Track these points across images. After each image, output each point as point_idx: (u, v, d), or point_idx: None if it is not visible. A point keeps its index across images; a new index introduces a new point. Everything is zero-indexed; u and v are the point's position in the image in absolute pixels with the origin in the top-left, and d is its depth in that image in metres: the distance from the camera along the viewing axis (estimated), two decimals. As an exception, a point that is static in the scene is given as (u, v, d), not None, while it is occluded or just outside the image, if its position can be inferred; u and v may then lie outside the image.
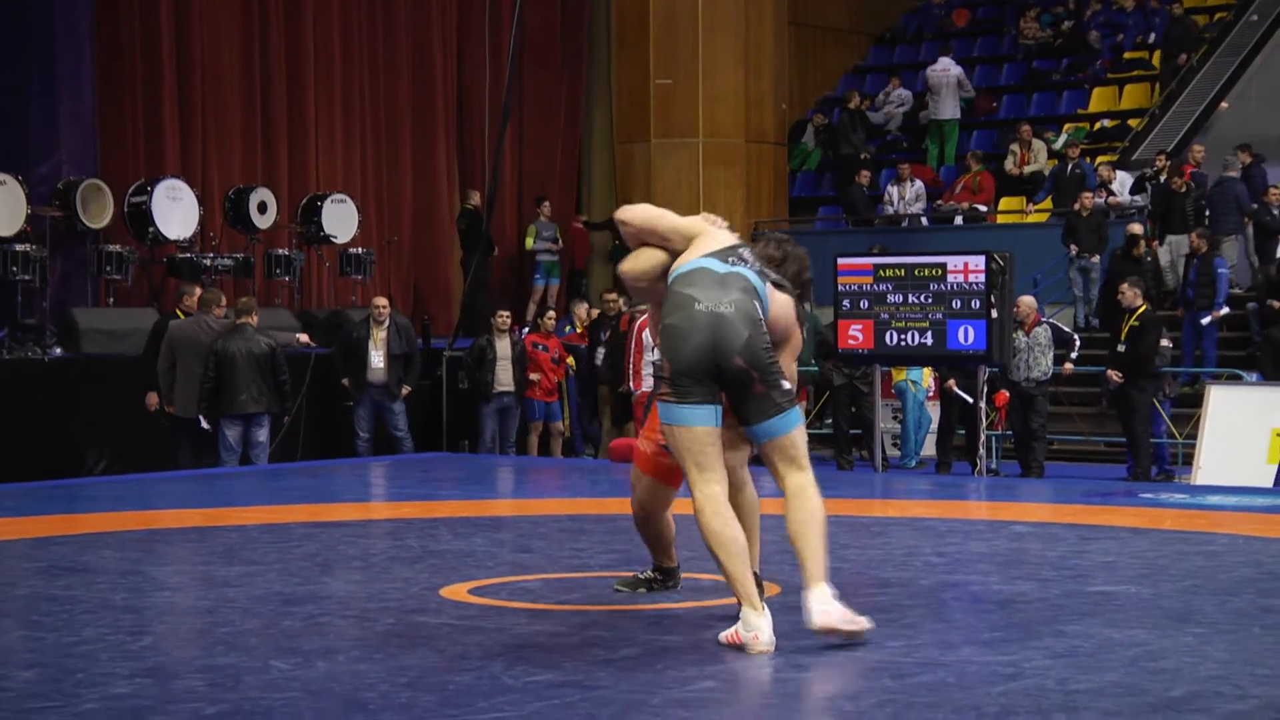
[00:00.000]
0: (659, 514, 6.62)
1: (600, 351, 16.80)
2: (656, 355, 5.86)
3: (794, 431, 5.74)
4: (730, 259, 5.83)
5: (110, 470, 13.89)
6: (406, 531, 9.26)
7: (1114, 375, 14.95)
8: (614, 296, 16.91)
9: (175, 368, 13.48)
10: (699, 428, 5.65)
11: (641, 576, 6.82)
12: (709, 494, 5.64)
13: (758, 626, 5.50)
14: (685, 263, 5.85)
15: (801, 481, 5.73)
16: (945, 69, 22.45)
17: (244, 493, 11.46)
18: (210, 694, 5.07)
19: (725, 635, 5.62)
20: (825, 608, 5.57)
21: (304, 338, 15.77)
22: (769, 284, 5.89)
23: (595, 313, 18.00)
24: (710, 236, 5.92)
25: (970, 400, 14.53)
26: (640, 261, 6.06)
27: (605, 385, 16.77)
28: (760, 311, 5.75)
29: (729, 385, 5.69)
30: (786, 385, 5.74)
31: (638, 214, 6.06)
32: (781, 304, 5.94)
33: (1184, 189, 18.59)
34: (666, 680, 5.23)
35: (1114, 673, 5.33)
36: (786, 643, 5.78)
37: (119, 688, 5.16)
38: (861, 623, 5.63)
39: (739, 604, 5.57)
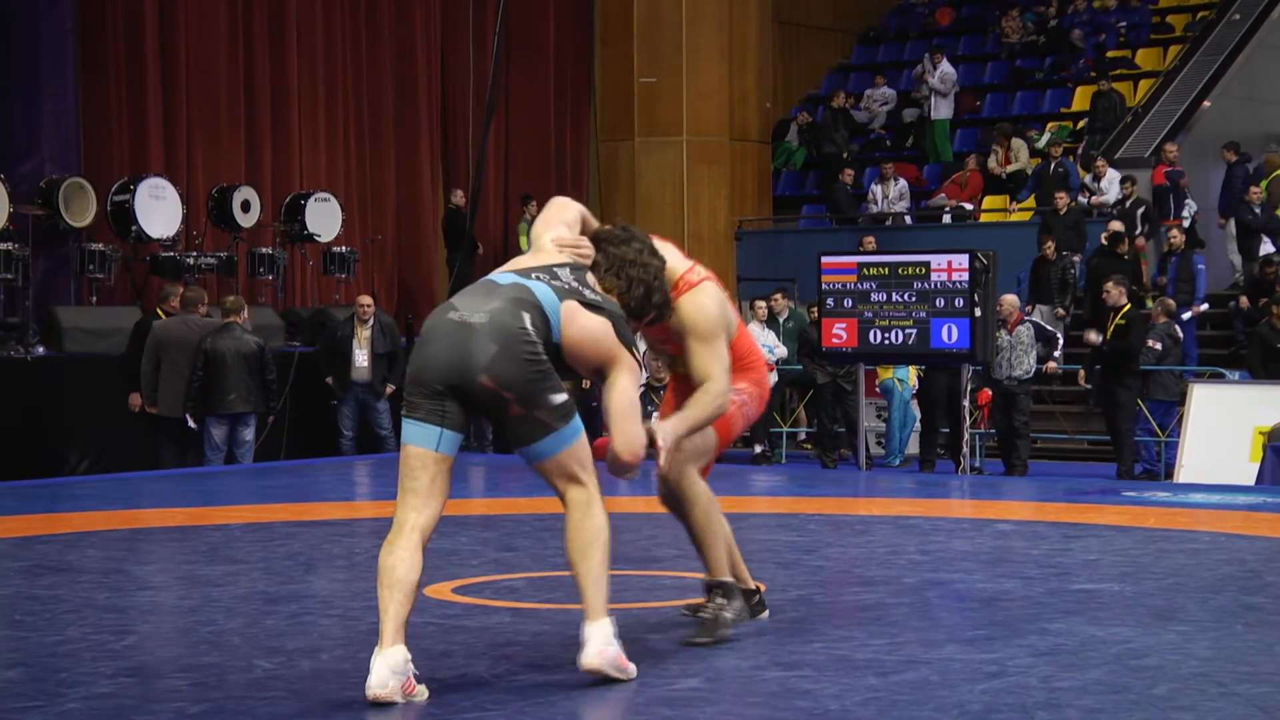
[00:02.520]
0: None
1: None
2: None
3: (569, 448, 5.04)
4: (535, 275, 5.14)
5: (93, 469, 13.87)
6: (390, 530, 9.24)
7: (1082, 380, 15.04)
8: None
9: (159, 368, 13.45)
10: (412, 447, 5.03)
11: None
12: (398, 520, 5.01)
13: (371, 665, 4.87)
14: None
15: (583, 497, 5.06)
16: (950, 72, 22.53)
17: (228, 492, 11.44)
18: (194, 693, 5.06)
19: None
20: (604, 649, 5.03)
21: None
22: (574, 302, 5.10)
23: None
24: (533, 254, 5.28)
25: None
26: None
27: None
28: (528, 323, 4.98)
29: (481, 407, 5.05)
30: (556, 400, 5.00)
31: (550, 210, 5.47)
32: (584, 328, 5.10)
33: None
34: (651, 679, 5.23)
35: (1097, 670, 5.34)
36: (770, 642, 5.80)
37: (102, 687, 5.16)
38: (631, 671, 5.11)
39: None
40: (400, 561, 4.93)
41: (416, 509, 5.00)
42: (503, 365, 4.94)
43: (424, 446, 5.02)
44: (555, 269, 5.17)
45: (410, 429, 5.05)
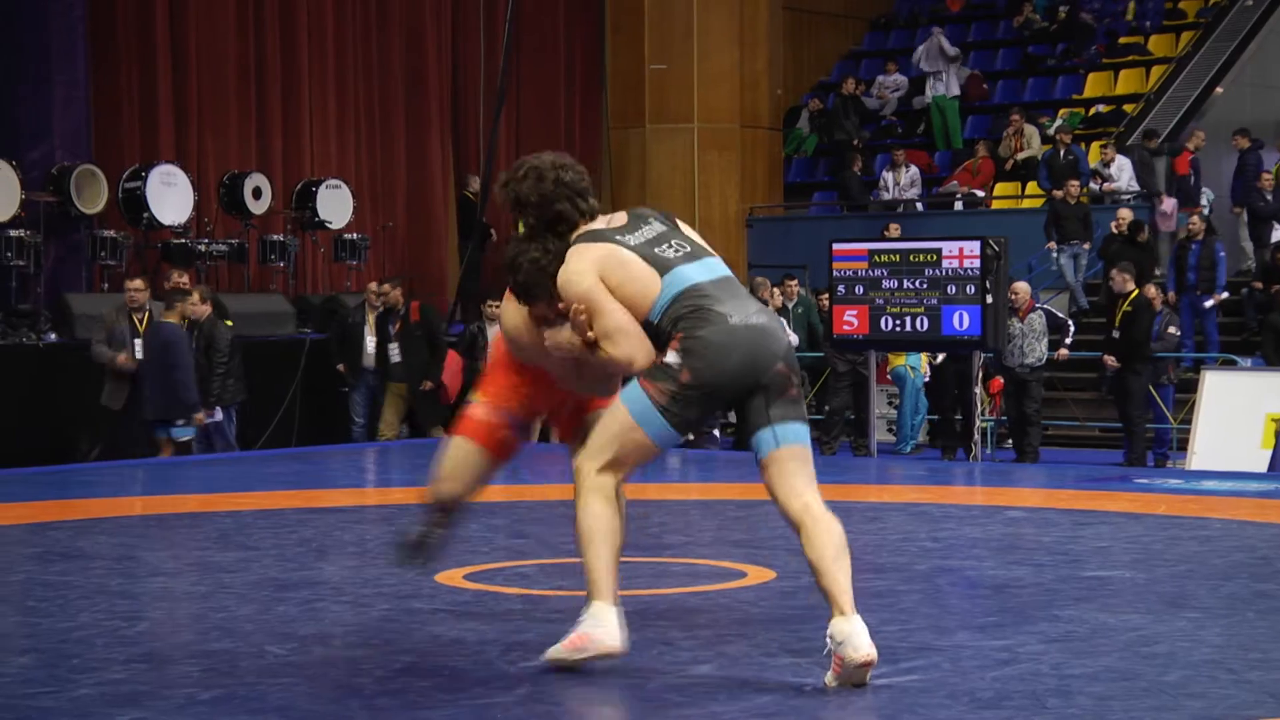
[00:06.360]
0: (470, 491, 5.74)
1: (393, 347, 15.11)
2: None
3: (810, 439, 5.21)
4: (667, 248, 5.17)
5: (104, 456, 13.86)
6: (401, 517, 9.25)
7: (1109, 360, 14.95)
8: (388, 288, 15.35)
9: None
10: (660, 448, 5.13)
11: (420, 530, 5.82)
12: (610, 482, 5.11)
13: (610, 621, 5.03)
14: (665, 292, 5.08)
15: (821, 506, 5.09)
16: (952, 49, 22.48)
17: (239, 478, 11.46)
18: (205, 679, 5.07)
19: (572, 638, 5.05)
20: (870, 638, 5.00)
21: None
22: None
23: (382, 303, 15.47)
24: (621, 257, 5.13)
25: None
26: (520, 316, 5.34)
27: (400, 383, 15.20)
28: None
29: (763, 392, 5.06)
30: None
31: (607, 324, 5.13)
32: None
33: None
34: (662, 666, 5.24)
35: (1108, 657, 5.34)
36: (781, 629, 5.80)
37: (114, 673, 5.17)
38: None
39: (588, 598, 5.06)
40: (621, 525, 5.14)
41: (621, 483, 5.17)
42: (790, 351, 5.18)
43: (668, 447, 5.22)
44: (660, 235, 5.22)
45: (671, 435, 5.11)
